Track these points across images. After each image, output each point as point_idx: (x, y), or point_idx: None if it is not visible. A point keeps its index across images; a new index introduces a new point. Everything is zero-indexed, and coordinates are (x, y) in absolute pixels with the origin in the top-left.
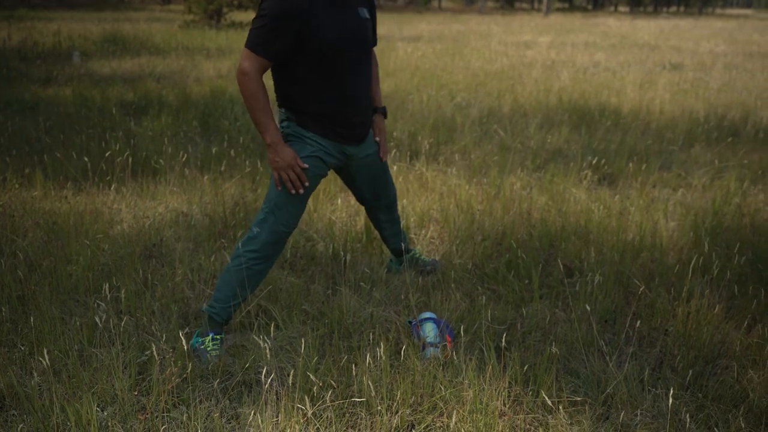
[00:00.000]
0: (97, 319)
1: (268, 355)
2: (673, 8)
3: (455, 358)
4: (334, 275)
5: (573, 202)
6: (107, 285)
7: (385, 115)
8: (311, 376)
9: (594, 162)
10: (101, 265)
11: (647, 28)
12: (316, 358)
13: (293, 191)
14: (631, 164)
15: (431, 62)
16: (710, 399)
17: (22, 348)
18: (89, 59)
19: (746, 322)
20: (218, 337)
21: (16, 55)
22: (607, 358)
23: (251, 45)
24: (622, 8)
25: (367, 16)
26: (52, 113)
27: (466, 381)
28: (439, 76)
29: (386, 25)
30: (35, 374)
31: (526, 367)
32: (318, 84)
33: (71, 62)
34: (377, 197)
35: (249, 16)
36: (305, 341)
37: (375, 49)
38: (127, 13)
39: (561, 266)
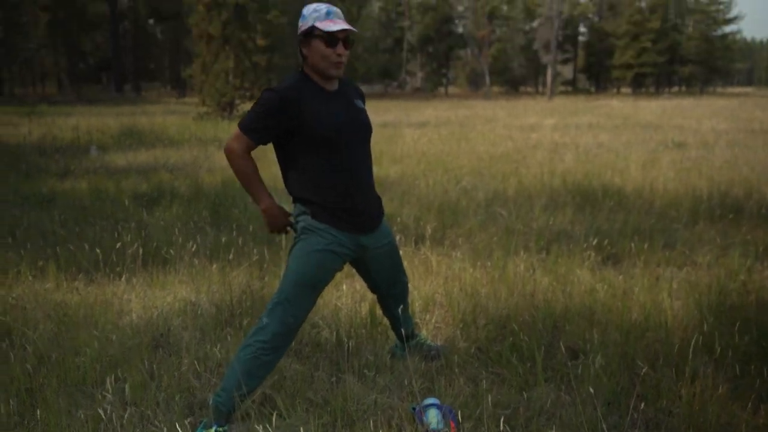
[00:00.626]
0: (101, 412)
1: None
2: (675, 88)
3: None
4: (338, 362)
5: (577, 283)
6: (112, 377)
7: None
8: None
9: (597, 242)
10: (109, 356)
11: (650, 108)
12: None
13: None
14: (634, 244)
15: (437, 147)
16: None
17: None
18: (106, 152)
19: (751, 403)
20: (222, 429)
21: (36, 150)
22: None
23: (243, 127)
24: (624, 90)
25: (363, 106)
26: (67, 206)
27: None
28: (444, 160)
29: (393, 112)
30: None
31: None
32: (320, 172)
33: (89, 156)
34: (392, 286)
35: None
36: (307, 430)
37: (381, 135)
38: (143, 107)
39: (564, 348)
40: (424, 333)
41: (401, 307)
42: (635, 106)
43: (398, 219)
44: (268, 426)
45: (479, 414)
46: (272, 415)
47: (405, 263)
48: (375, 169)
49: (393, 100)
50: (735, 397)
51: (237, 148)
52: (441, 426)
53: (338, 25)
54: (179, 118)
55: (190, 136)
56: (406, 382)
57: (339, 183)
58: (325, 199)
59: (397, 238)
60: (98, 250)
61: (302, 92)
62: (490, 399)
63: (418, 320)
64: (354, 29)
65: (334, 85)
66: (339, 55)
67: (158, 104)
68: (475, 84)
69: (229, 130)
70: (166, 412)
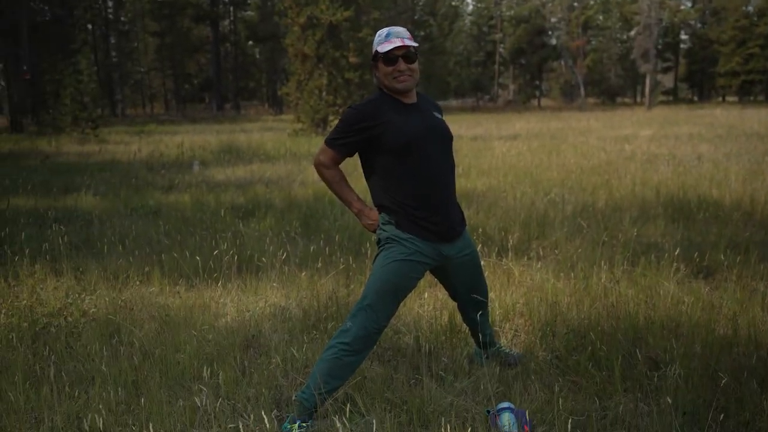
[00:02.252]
0: (197, 401)
1: None
2: None
3: None
4: (418, 365)
5: (663, 295)
6: (208, 371)
7: None
8: None
9: (688, 255)
10: (205, 354)
11: (757, 117)
12: None
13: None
14: (728, 257)
15: (527, 160)
16: None
17: (134, 427)
18: (207, 167)
19: None
20: (305, 424)
21: (144, 166)
22: None
23: (328, 140)
24: (730, 98)
25: (441, 117)
26: (171, 217)
27: None
28: (533, 173)
29: (484, 125)
30: None
31: None
32: (402, 179)
33: (191, 171)
34: (472, 294)
35: None
36: (384, 427)
37: (470, 148)
38: (242, 125)
39: (643, 359)
40: (503, 341)
41: (480, 313)
42: (741, 116)
43: (480, 230)
44: (346, 422)
45: (551, 419)
46: (353, 413)
47: (487, 274)
48: (462, 182)
49: (485, 113)
50: None
51: (324, 160)
52: (515, 429)
53: (393, 44)
54: (275, 135)
55: (285, 151)
56: (482, 387)
57: (420, 190)
58: (408, 208)
59: (481, 248)
60: (198, 258)
61: (380, 106)
62: (562, 404)
63: (498, 329)
64: (412, 44)
65: (411, 98)
66: (399, 71)
67: (256, 122)
68: (569, 96)
69: None
70: (255, 405)
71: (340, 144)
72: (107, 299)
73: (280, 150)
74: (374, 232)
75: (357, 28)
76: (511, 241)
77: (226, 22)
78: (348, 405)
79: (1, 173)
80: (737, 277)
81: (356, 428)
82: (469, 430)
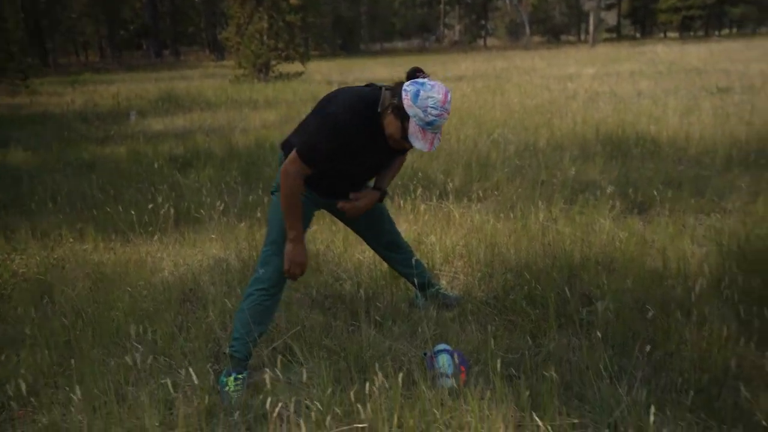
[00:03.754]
0: (128, 360)
1: (283, 389)
2: (725, 30)
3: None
4: (357, 312)
5: (598, 232)
6: (140, 327)
7: (381, 197)
8: (318, 405)
9: (624, 192)
10: (141, 310)
11: (696, 52)
12: (330, 390)
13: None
14: (661, 192)
15: (470, 101)
16: (717, 420)
17: (66, 388)
18: (145, 118)
19: (755, 344)
20: (240, 376)
21: (78, 118)
22: (616, 383)
23: (304, 156)
24: (671, 34)
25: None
26: (106, 170)
27: (470, 408)
28: (477, 114)
29: (430, 67)
30: (74, 411)
31: (527, 393)
32: (327, 177)
33: (128, 121)
34: (377, 237)
35: (295, 67)
36: (321, 374)
37: None
38: (182, 72)
39: (575, 295)
40: (443, 283)
41: (403, 256)
42: (681, 51)
43: (420, 174)
44: (285, 372)
45: (486, 358)
46: (290, 362)
47: (427, 217)
48: None
49: (430, 54)
50: (746, 339)
51: (294, 172)
52: (451, 371)
53: (422, 143)
54: (217, 82)
55: (227, 98)
56: (420, 330)
57: (332, 181)
58: (318, 183)
59: (422, 192)
60: (133, 212)
61: (362, 134)
62: (497, 343)
63: (437, 272)
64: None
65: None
66: (403, 146)
67: (197, 68)
68: (515, 35)
69: (264, 91)
70: (192, 360)
71: (317, 162)
72: (38, 258)
73: (221, 97)
74: (288, 272)
75: None
76: (451, 184)
77: None
78: (285, 355)
79: None
80: (670, 211)
81: (293, 377)
82: (401, 375)
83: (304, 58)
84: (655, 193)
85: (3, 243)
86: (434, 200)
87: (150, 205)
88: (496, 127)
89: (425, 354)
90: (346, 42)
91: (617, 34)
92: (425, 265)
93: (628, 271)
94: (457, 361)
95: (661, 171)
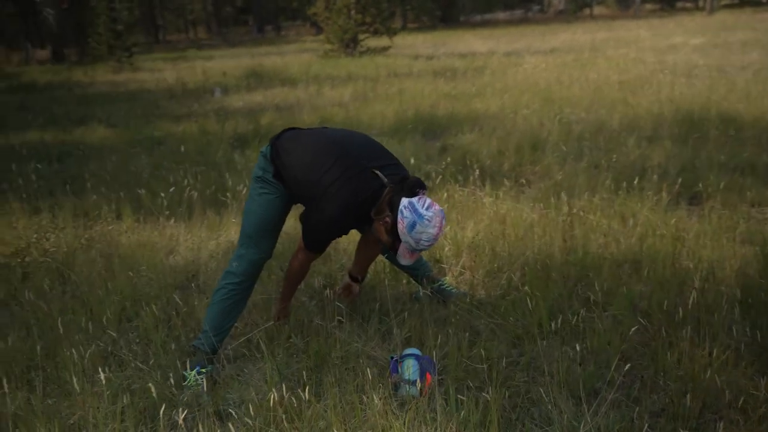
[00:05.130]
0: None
1: (237, 387)
2: None
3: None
4: (338, 309)
5: (632, 226)
6: (133, 311)
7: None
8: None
9: (684, 179)
10: (140, 295)
11: None
12: (272, 393)
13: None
14: (720, 180)
15: (553, 76)
16: None
17: (48, 370)
18: (228, 94)
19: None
20: (204, 370)
21: (167, 94)
22: (585, 405)
23: (310, 247)
24: None
25: None
26: (168, 149)
27: (417, 420)
28: (552, 91)
29: (527, 39)
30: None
31: (481, 408)
32: None
33: (212, 98)
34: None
35: (382, 41)
36: (279, 373)
37: (499, 65)
38: (280, 47)
39: (568, 299)
40: (447, 279)
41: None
42: None
43: (467, 156)
44: (235, 368)
45: (455, 367)
46: (256, 358)
47: (446, 204)
48: (475, 103)
49: (531, 25)
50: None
51: (304, 260)
52: (415, 377)
53: (406, 260)
54: (307, 57)
55: (311, 74)
56: (394, 332)
57: None
58: None
59: (456, 175)
60: (162, 195)
61: (357, 223)
62: (468, 350)
63: (444, 265)
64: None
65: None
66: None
67: (295, 43)
68: (624, 3)
69: (348, 67)
70: (164, 352)
71: (322, 248)
72: (71, 237)
73: (306, 73)
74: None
75: None
76: (495, 167)
77: None
78: (251, 351)
79: (28, 105)
80: (723, 204)
81: (247, 374)
82: (356, 380)
83: (391, 32)
84: (714, 181)
85: (48, 221)
86: (470, 185)
87: (187, 187)
88: (567, 106)
89: (392, 358)
90: (445, 13)
91: (740, 0)
92: (426, 261)
93: (650, 274)
94: (423, 367)
95: (736, 156)
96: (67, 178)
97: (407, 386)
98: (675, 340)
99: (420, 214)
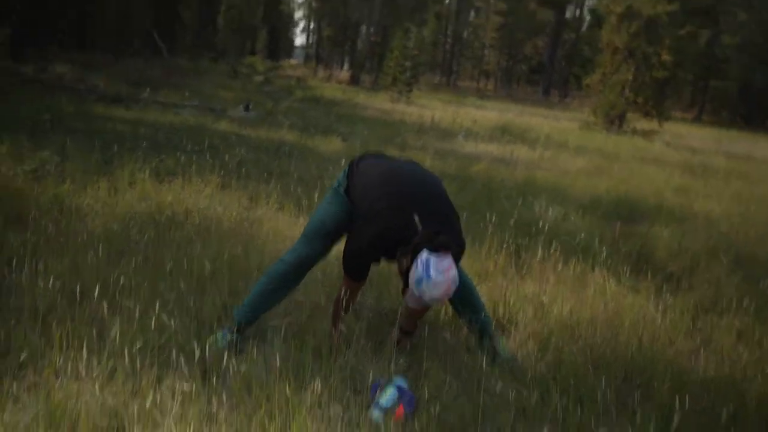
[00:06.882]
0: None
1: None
2: None
3: None
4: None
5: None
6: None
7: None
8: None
9: None
10: (239, 269)
11: None
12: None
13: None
14: None
15: None
16: None
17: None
18: (468, 139)
19: None
20: (230, 335)
21: (415, 127)
22: None
23: (347, 270)
24: None
25: None
26: None
27: None
28: None
29: None
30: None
31: None
32: None
33: (455, 140)
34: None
35: (652, 125)
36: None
37: None
38: (554, 111)
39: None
40: (503, 341)
41: (470, 303)
42: None
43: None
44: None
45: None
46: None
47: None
48: (702, 203)
49: None
50: None
51: (346, 287)
52: (388, 405)
53: (412, 304)
54: (568, 125)
55: (553, 140)
56: (394, 359)
57: None
58: None
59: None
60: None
61: (385, 255)
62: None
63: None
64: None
65: None
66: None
67: (571, 111)
68: None
69: (601, 141)
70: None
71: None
72: (233, 212)
73: (553, 138)
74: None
75: (678, 24)
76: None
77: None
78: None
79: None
80: None
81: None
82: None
83: (663, 116)
84: None
85: (222, 197)
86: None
87: None
88: None
89: (377, 382)
90: (751, 112)
91: None
92: (489, 318)
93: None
94: (401, 399)
95: None
96: (271, 170)
97: (376, 410)
98: None
99: (429, 274)
